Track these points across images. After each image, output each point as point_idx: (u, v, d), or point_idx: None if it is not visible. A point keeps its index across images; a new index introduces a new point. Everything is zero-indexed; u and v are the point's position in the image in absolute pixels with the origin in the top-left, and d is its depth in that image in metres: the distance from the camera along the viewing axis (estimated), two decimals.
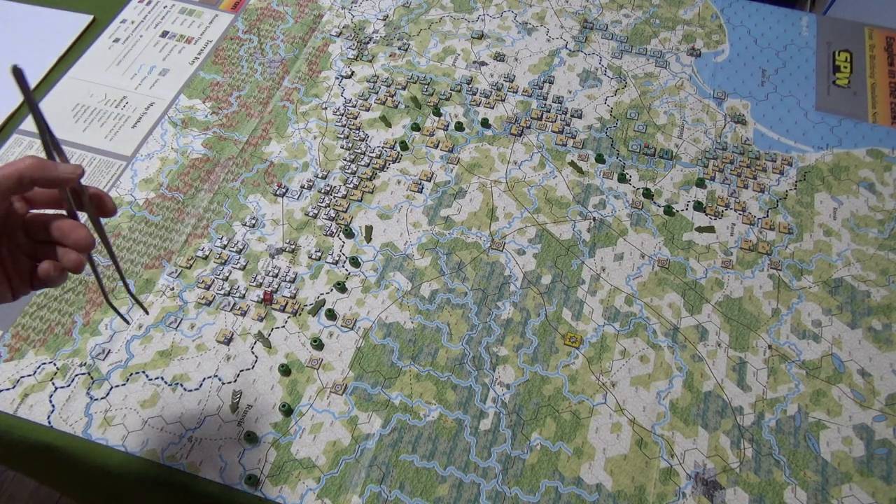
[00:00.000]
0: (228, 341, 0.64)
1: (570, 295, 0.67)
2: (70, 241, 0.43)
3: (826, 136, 0.79)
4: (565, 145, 0.78)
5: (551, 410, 0.61)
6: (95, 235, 0.45)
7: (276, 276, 0.68)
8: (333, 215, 0.72)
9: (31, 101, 0.41)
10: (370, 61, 0.85)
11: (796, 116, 0.80)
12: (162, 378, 0.62)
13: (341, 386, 0.62)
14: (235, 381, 0.62)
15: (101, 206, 0.45)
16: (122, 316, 0.52)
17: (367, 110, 0.81)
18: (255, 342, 0.64)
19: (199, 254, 0.69)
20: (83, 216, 0.46)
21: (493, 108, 0.81)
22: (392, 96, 0.82)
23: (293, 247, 0.70)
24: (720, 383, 0.62)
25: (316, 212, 0.72)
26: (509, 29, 0.88)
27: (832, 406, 0.61)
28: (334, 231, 0.71)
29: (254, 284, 0.67)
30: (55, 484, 0.70)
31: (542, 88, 0.83)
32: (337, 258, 0.69)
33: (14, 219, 0.43)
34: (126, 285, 0.50)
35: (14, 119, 0.79)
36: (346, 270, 0.68)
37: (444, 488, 0.57)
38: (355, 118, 0.80)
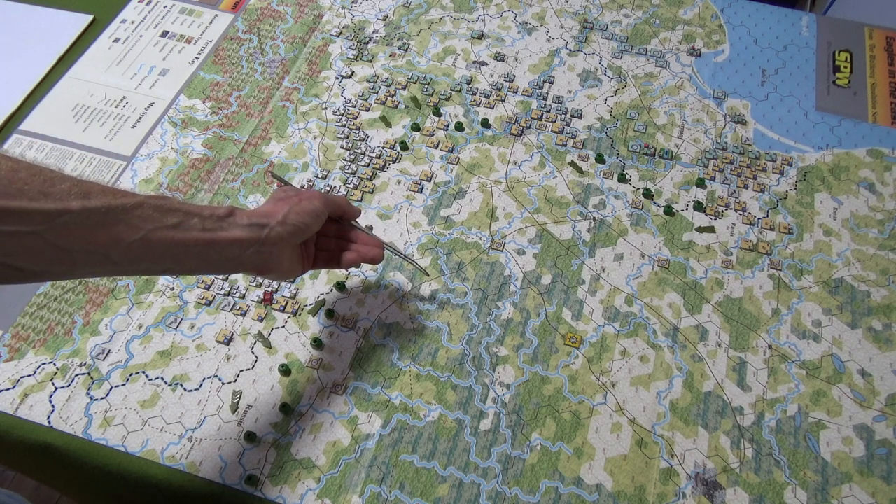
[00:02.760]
0: (228, 341, 0.64)
1: (570, 295, 0.67)
2: (370, 254, 0.58)
3: (826, 136, 0.79)
4: (565, 145, 0.78)
5: (551, 410, 0.60)
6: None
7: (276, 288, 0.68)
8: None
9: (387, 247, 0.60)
10: (370, 61, 0.85)
11: (796, 116, 0.80)
12: (162, 378, 0.62)
13: (341, 386, 0.62)
14: (235, 381, 0.62)
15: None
16: (420, 268, 0.63)
17: (367, 110, 0.81)
18: (255, 342, 0.64)
19: None
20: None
21: (493, 108, 0.81)
22: (392, 96, 0.82)
23: None
24: (720, 383, 0.62)
25: None
26: (509, 29, 0.88)
27: (832, 406, 0.61)
28: None
29: (254, 284, 0.67)
30: (55, 484, 0.70)
31: (542, 88, 0.83)
32: None
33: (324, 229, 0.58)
34: (410, 260, 0.63)
35: (14, 119, 0.79)
36: (347, 271, 0.68)
37: (444, 488, 0.57)
38: (355, 118, 0.80)
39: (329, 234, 0.59)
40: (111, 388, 0.61)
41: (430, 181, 0.75)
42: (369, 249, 0.58)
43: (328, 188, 0.74)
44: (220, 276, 0.67)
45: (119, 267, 0.41)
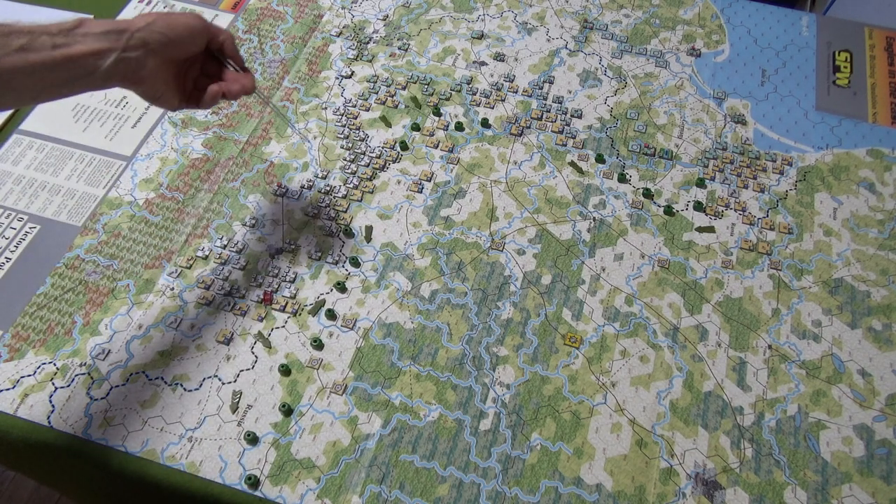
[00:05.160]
0: (228, 341, 0.64)
1: (570, 295, 0.67)
2: (238, 84, 0.57)
3: (826, 136, 0.79)
4: (565, 145, 0.78)
5: (551, 410, 0.61)
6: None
7: (276, 276, 0.68)
8: (333, 215, 0.72)
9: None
10: (370, 61, 0.85)
11: (796, 116, 0.80)
12: (162, 378, 0.62)
13: (341, 386, 0.62)
14: (235, 381, 0.62)
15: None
16: (293, 128, 0.61)
17: (367, 110, 0.81)
18: (255, 342, 0.64)
19: (199, 254, 0.69)
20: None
21: (493, 108, 0.81)
22: (392, 96, 0.82)
23: (293, 247, 0.70)
24: (720, 383, 0.62)
25: (316, 212, 0.72)
26: (509, 29, 0.88)
27: (832, 406, 0.61)
28: (334, 231, 0.71)
29: (254, 284, 0.67)
30: (55, 484, 0.70)
31: (542, 88, 0.83)
32: (337, 258, 0.69)
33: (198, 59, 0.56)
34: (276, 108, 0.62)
35: (14, 119, 0.79)
36: (346, 270, 0.68)
37: (444, 488, 0.57)
38: (355, 118, 0.80)
39: (210, 74, 0.57)
40: (111, 388, 0.61)
41: (430, 181, 0.75)
42: (234, 82, 0.57)
43: (328, 188, 0.74)
44: (220, 277, 0.67)
45: None
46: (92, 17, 0.48)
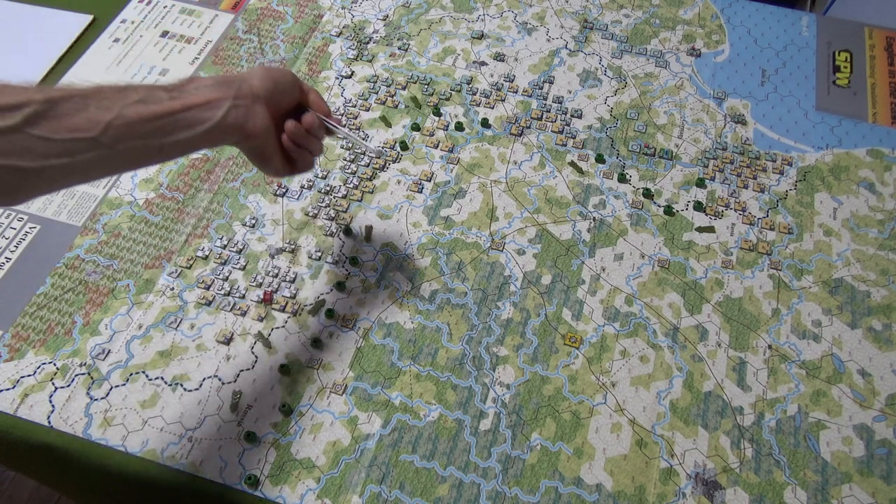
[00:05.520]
0: (228, 341, 0.64)
1: (570, 295, 0.67)
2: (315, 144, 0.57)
3: (826, 136, 0.79)
4: (565, 145, 0.78)
5: (551, 410, 0.60)
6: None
7: (276, 276, 0.68)
8: (333, 215, 0.72)
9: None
10: (370, 61, 0.85)
11: (796, 116, 0.80)
12: (162, 378, 0.62)
13: (341, 386, 0.62)
14: (235, 381, 0.62)
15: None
16: (367, 146, 0.60)
17: (367, 110, 0.81)
18: (255, 342, 0.64)
19: (199, 254, 0.69)
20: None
21: (493, 108, 0.81)
22: (392, 96, 0.82)
23: (293, 247, 0.70)
24: (720, 383, 0.62)
25: (316, 212, 0.72)
26: (509, 29, 0.88)
27: (832, 406, 0.61)
28: (334, 231, 0.71)
29: (254, 284, 0.67)
30: (55, 484, 0.70)
31: (542, 88, 0.83)
32: (337, 258, 0.69)
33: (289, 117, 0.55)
34: (356, 137, 0.59)
35: None
36: (346, 270, 0.68)
37: (444, 488, 0.57)
38: (355, 118, 0.80)
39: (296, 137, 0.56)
40: (111, 388, 0.61)
41: (430, 181, 0.75)
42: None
43: (328, 188, 0.74)
44: (220, 277, 0.67)
45: (113, 150, 0.42)
46: (201, 74, 0.50)
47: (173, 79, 0.46)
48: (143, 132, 0.43)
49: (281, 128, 0.54)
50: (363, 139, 0.58)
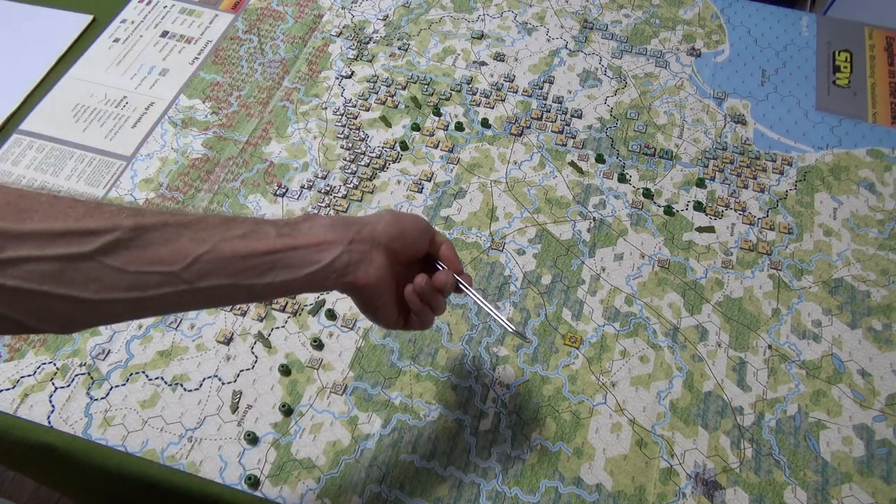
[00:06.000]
0: (228, 341, 0.64)
1: (570, 295, 0.67)
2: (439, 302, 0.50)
3: (826, 136, 0.79)
4: (565, 145, 0.78)
5: (551, 410, 0.60)
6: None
7: None
8: (333, 215, 0.72)
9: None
10: (370, 61, 0.85)
11: (796, 116, 0.80)
12: (162, 378, 0.62)
13: (341, 386, 0.62)
14: (235, 381, 0.62)
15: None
16: (521, 336, 0.53)
17: (367, 110, 0.81)
18: (255, 342, 0.64)
19: None
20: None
21: (493, 108, 0.81)
22: (392, 96, 0.82)
23: None
24: (720, 383, 0.62)
25: (316, 212, 0.72)
26: (509, 29, 0.88)
27: (832, 406, 0.61)
28: None
29: None
30: (55, 484, 0.70)
31: (542, 88, 0.83)
32: None
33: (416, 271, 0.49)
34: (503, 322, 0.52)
35: (14, 119, 0.79)
36: None
37: (444, 488, 0.57)
38: (355, 118, 0.80)
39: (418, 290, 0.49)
40: (111, 388, 0.61)
41: (430, 181, 0.75)
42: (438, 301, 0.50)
43: (328, 188, 0.74)
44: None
45: (193, 287, 0.37)
46: (316, 213, 0.45)
47: (290, 217, 0.41)
48: (235, 270, 0.38)
49: (403, 278, 0.48)
50: (497, 310, 0.52)
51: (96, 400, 0.60)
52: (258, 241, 0.39)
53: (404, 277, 0.48)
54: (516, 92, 0.82)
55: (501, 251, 0.70)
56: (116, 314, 0.36)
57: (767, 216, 0.72)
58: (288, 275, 0.40)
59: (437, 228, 0.70)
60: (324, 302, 0.66)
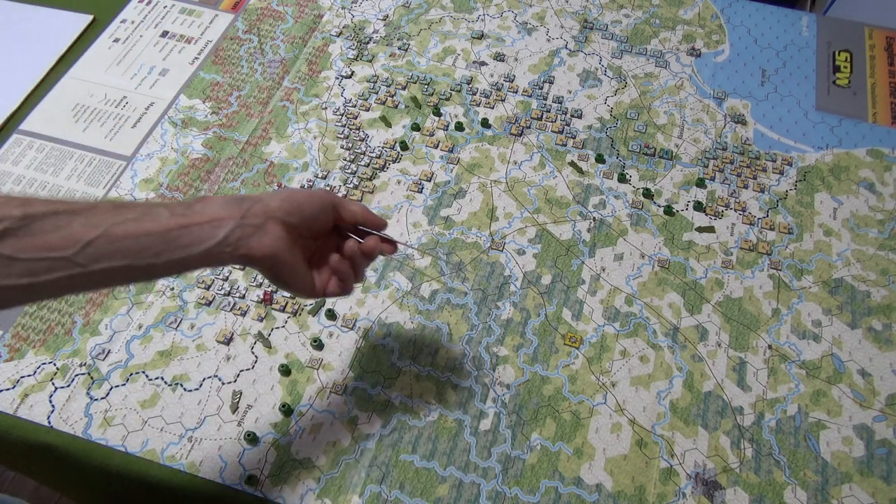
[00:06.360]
0: (228, 341, 0.64)
1: (570, 295, 0.67)
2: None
3: (826, 136, 0.79)
4: (565, 145, 0.78)
5: (551, 410, 0.60)
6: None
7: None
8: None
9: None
10: (370, 61, 0.85)
11: (796, 116, 0.80)
12: (162, 378, 0.62)
13: (341, 386, 0.62)
14: (235, 381, 0.62)
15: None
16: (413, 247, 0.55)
17: (367, 110, 0.81)
18: (255, 342, 0.64)
19: None
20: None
21: (493, 108, 0.81)
22: (392, 96, 0.82)
23: None
24: (720, 383, 0.62)
25: None
26: (509, 29, 0.88)
27: (832, 406, 0.61)
28: None
29: (254, 284, 0.67)
30: (55, 484, 0.70)
31: (542, 88, 0.83)
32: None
33: (331, 244, 0.51)
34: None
35: (14, 119, 0.79)
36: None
37: (444, 488, 0.57)
38: (355, 118, 0.80)
39: (346, 256, 0.51)
40: (111, 388, 0.61)
41: (430, 181, 0.75)
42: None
43: (328, 188, 0.74)
44: (220, 277, 0.67)
45: (88, 269, 0.38)
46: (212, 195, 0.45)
47: (185, 200, 0.43)
48: (130, 251, 0.39)
49: (313, 251, 0.50)
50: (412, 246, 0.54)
51: (96, 400, 0.60)
52: (151, 222, 0.40)
53: (317, 251, 0.50)
54: (516, 92, 0.82)
55: (501, 251, 0.70)
56: (11, 299, 0.37)
57: (767, 216, 0.72)
58: (184, 252, 0.41)
59: (437, 229, 0.70)
60: (324, 302, 0.66)
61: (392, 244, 0.53)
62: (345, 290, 0.51)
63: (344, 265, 0.50)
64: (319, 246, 0.51)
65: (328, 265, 0.50)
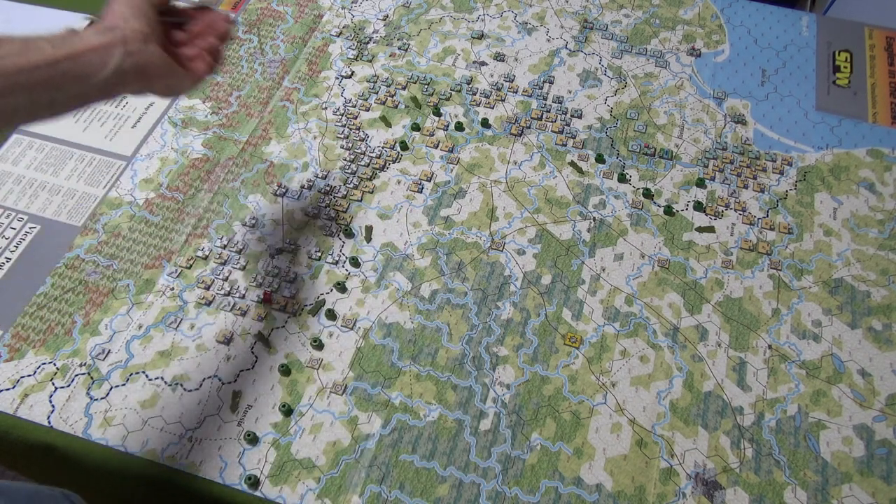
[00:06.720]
0: (228, 341, 0.64)
1: (570, 295, 0.67)
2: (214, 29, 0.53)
3: (826, 136, 0.79)
4: (565, 145, 0.78)
5: (551, 410, 0.60)
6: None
7: (276, 276, 0.68)
8: (333, 215, 0.72)
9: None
10: (370, 61, 0.85)
11: (796, 116, 0.80)
12: (162, 378, 0.62)
13: (341, 386, 0.62)
14: (235, 381, 0.62)
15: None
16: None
17: (367, 110, 0.81)
18: (255, 342, 0.64)
19: (199, 254, 0.69)
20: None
21: (493, 108, 0.81)
22: (392, 96, 0.82)
23: (293, 247, 0.70)
24: (720, 383, 0.62)
25: (316, 212, 0.72)
26: (509, 29, 0.88)
27: (832, 406, 0.61)
28: (334, 231, 0.71)
29: (254, 284, 0.67)
30: (55, 484, 0.70)
31: (542, 88, 0.83)
32: (337, 258, 0.69)
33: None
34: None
35: None
36: (346, 270, 0.68)
37: (444, 488, 0.57)
38: (355, 118, 0.80)
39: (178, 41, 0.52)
40: (111, 388, 0.61)
41: (430, 181, 0.75)
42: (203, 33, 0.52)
43: (328, 188, 0.74)
44: (220, 277, 0.67)
45: None
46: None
47: (58, 32, 0.43)
48: (25, 85, 0.39)
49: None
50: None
51: (96, 400, 0.60)
52: (34, 54, 0.40)
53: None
54: (516, 92, 0.82)
55: (501, 251, 0.70)
56: None
57: (767, 216, 0.72)
58: (82, 84, 0.42)
59: (437, 229, 0.70)
60: (324, 302, 0.66)
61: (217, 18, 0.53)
62: (212, 70, 0.52)
63: (213, 45, 0.52)
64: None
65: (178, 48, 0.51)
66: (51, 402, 0.60)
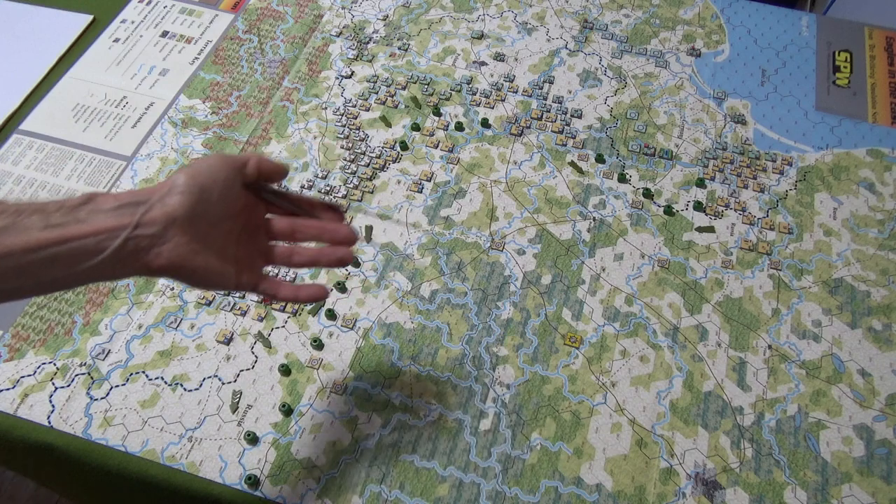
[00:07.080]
0: (228, 341, 0.64)
1: (570, 295, 0.67)
2: (338, 238, 0.47)
3: (826, 136, 0.79)
4: (565, 145, 0.78)
5: (551, 410, 0.60)
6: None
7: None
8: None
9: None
10: (370, 61, 0.85)
11: (796, 116, 0.80)
12: (162, 378, 0.62)
13: (341, 386, 0.62)
14: (235, 381, 0.62)
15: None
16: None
17: (367, 110, 0.81)
18: (255, 342, 0.64)
19: None
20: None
21: (493, 108, 0.81)
22: (392, 96, 0.82)
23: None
24: (720, 383, 0.62)
25: None
26: (509, 29, 0.88)
27: (832, 406, 0.61)
28: None
29: None
30: (55, 484, 0.70)
31: (542, 88, 0.83)
32: None
33: (258, 215, 0.46)
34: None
35: (14, 119, 0.79)
36: (346, 270, 0.68)
37: (444, 488, 0.57)
38: (355, 118, 0.80)
39: (276, 229, 0.46)
40: (111, 388, 0.61)
41: (430, 181, 0.75)
42: (336, 252, 0.46)
43: (328, 188, 0.74)
44: None
45: None
46: (105, 191, 0.39)
47: (69, 199, 0.36)
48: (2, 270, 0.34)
49: (240, 228, 0.44)
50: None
51: (96, 400, 0.60)
52: (17, 235, 0.34)
53: (245, 226, 0.44)
54: (516, 92, 0.82)
55: (501, 251, 0.70)
56: None
57: (767, 216, 0.72)
58: (63, 271, 0.36)
59: (437, 229, 0.70)
60: (324, 302, 0.66)
61: (337, 216, 0.46)
62: (291, 292, 0.45)
63: (284, 256, 0.45)
64: (245, 220, 0.44)
65: (259, 243, 0.45)
66: (51, 401, 0.60)
